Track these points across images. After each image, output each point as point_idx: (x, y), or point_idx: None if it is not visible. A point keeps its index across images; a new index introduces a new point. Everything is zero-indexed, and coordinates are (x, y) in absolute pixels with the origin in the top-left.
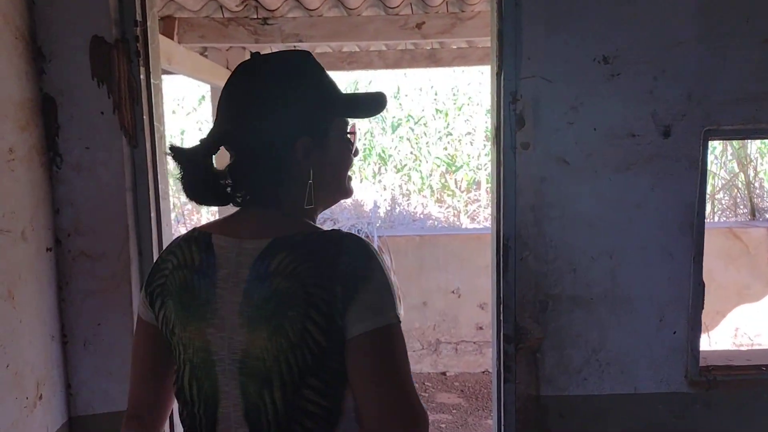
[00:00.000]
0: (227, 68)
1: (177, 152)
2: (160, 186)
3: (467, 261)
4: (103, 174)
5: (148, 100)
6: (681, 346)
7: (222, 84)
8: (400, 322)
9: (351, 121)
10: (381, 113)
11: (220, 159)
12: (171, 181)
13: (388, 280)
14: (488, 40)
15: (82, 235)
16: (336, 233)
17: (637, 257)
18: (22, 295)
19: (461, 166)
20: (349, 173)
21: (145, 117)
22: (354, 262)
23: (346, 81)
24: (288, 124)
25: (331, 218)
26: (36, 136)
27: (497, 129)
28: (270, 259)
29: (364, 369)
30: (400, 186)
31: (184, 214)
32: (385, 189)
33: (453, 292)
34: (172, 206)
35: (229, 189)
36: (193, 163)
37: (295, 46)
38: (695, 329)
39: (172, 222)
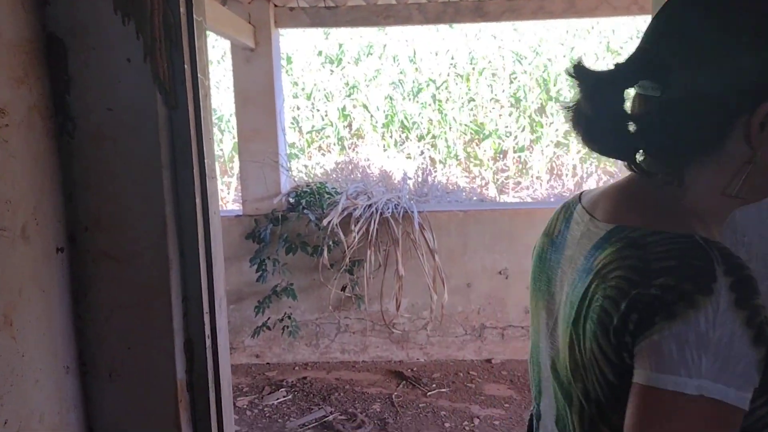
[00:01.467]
0: (249, 23)
1: (583, 72)
2: (206, 161)
3: (515, 239)
4: (131, 145)
5: (190, 43)
6: None
7: (244, 39)
8: (704, 398)
9: None
10: None
11: None
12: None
13: (712, 335)
14: None
15: (104, 230)
16: (690, 242)
17: None
18: (25, 318)
19: (489, 135)
20: None
21: (187, 67)
22: (674, 286)
23: (358, 44)
24: (755, 79)
25: (365, 191)
26: (38, 93)
27: None
28: (600, 251)
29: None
30: (424, 155)
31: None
32: (410, 158)
33: (500, 272)
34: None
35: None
36: (604, 92)
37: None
38: None
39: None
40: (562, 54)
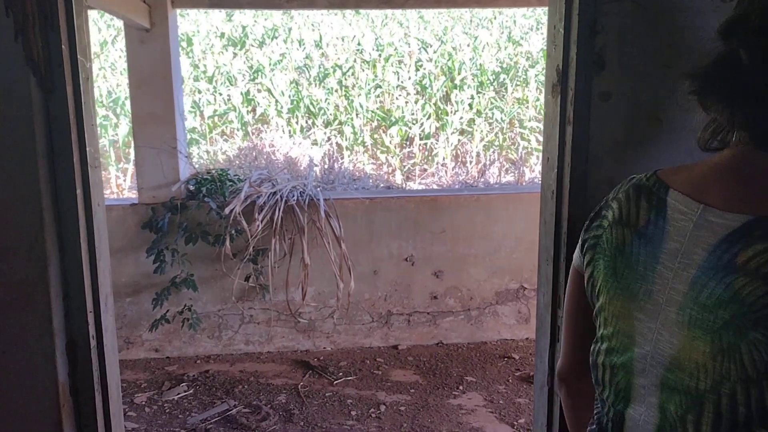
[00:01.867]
0: (143, 2)
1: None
2: (88, 149)
3: (421, 225)
4: (1, 132)
5: (68, 21)
6: None
7: (138, 19)
8: None
9: None
10: None
11: None
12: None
13: None
14: None
15: None
16: None
17: None
18: None
19: (396, 122)
20: None
21: (65, 47)
22: None
23: (263, 27)
24: None
25: (269, 178)
26: None
27: (563, 73)
28: (741, 246)
29: None
30: (330, 141)
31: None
32: (316, 144)
33: (406, 259)
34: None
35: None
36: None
37: None
38: None
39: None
40: (466, 43)
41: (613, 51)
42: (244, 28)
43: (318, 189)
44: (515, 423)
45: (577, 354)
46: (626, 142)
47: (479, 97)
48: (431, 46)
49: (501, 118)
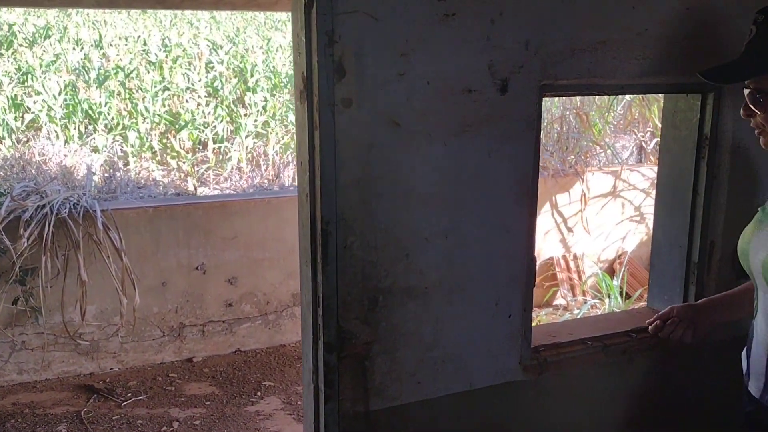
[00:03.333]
0: None
1: None
2: None
3: (211, 232)
4: None
5: None
6: (516, 330)
7: None
8: None
9: None
10: None
11: None
12: None
13: None
14: None
15: None
16: None
17: (473, 236)
18: None
19: (185, 125)
20: None
21: None
22: None
23: (33, 26)
24: None
25: (36, 190)
26: None
27: (308, 80)
28: None
29: None
30: (114, 148)
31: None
32: (97, 152)
33: (197, 268)
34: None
35: None
36: None
37: None
38: (528, 309)
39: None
40: (258, 45)
41: (351, 59)
42: (11, 26)
43: (95, 200)
44: None
45: None
46: (369, 145)
47: (273, 99)
48: (222, 47)
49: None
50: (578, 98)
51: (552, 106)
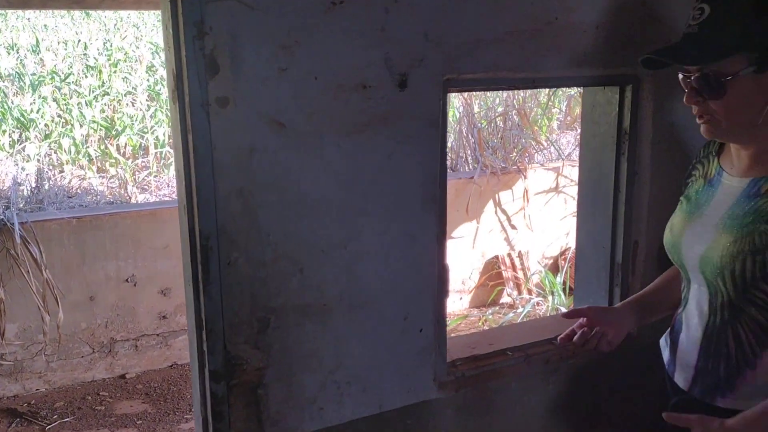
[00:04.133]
0: None
1: None
2: None
3: (142, 243)
4: None
5: None
6: (428, 344)
7: None
8: None
9: None
10: None
11: None
12: None
13: None
14: None
15: None
16: None
17: (376, 245)
18: None
19: (123, 130)
20: None
21: None
22: None
23: None
24: None
25: None
26: None
27: (177, 77)
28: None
29: None
30: (49, 156)
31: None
32: (29, 161)
33: (127, 280)
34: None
35: None
36: None
37: None
38: (441, 321)
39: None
40: None
41: (226, 53)
42: None
43: (16, 212)
44: None
45: None
46: (251, 149)
47: None
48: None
49: None
50: (520, 95)
51: (496, 103)
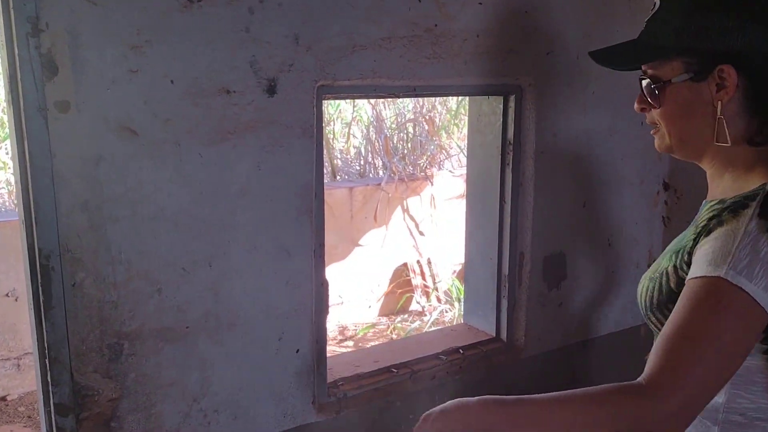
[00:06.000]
0: None
1: None
2: None
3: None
4: None
5: None
6: (306, 365)
7: None
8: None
9: None
10: None
11: None
12: None
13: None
14: None
15: None
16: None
17: (245, 261)
18: None
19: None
20: None
21: None
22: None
23: None
24: None
25: None
26: None
27: (12, 79)
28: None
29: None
30: None
31: None
32: None
33: (7, 295)
34: None
35: None
36: None
37: None
38: (321, 341)
39: None
40: None
41: (65, 53)
42: None
43: None
44: None
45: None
46: (98, 158)
47: None
48: None
49: None
50: (431, 101)
51: (405, 109)
